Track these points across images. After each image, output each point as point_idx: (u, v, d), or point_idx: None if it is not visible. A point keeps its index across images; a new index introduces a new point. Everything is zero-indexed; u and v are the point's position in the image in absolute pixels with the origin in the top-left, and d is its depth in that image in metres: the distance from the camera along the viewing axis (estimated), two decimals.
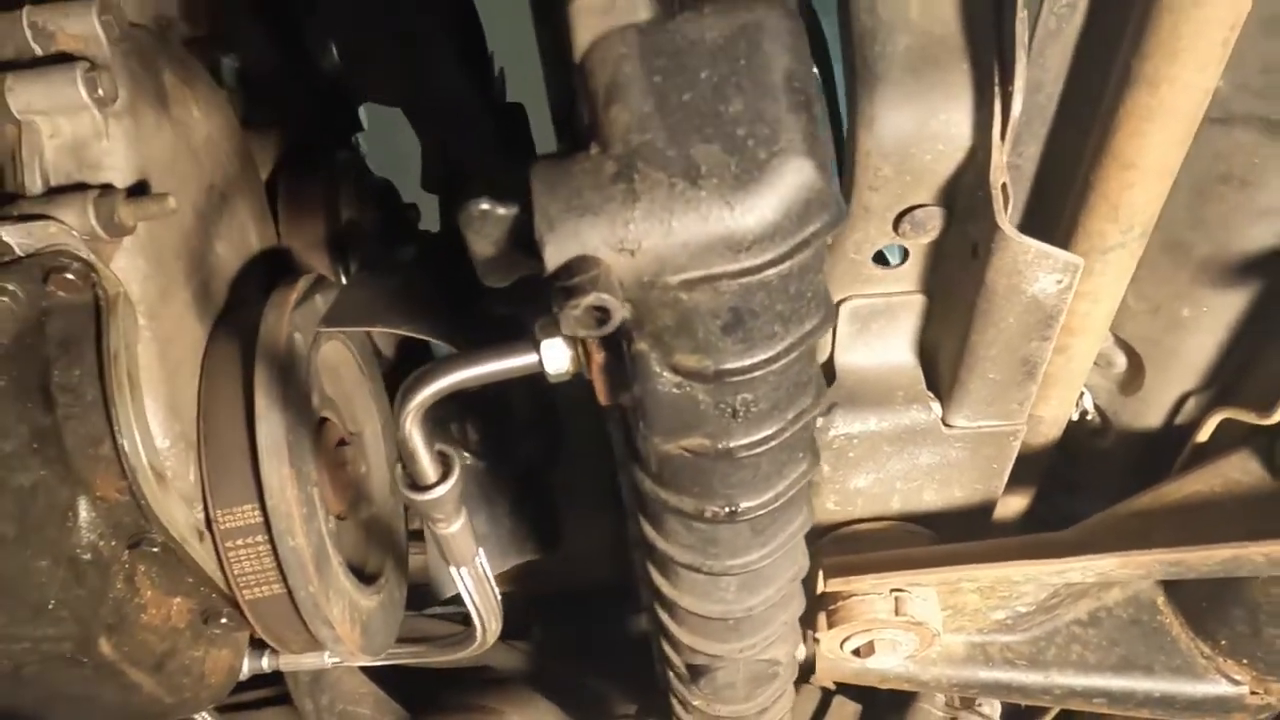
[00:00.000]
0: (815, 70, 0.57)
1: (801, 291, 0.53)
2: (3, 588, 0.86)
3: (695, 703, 0.99)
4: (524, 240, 0.48)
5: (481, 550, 0.84)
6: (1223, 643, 1.08)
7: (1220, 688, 1.10)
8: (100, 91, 0.88)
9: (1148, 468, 1.08)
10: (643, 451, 0.66)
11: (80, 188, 0.88)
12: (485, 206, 0.48)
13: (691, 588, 0.78)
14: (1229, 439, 0.98)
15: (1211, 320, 0.94)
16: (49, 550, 0.86)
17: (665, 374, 0.56)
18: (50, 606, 0.87)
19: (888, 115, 0.75)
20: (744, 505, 0.67)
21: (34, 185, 0.88)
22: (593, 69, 0.48)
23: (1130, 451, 1.11)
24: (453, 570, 0.84)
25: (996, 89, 0.72)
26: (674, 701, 1.06)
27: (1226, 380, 0.98)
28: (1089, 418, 1.12)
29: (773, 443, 0.61)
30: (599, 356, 0.59)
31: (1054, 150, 0.87)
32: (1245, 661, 1.07)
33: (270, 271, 1.20)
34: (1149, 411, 1.06)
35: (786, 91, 0.48)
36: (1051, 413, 1.06)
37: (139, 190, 0.91)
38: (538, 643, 1.87)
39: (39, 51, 0.91)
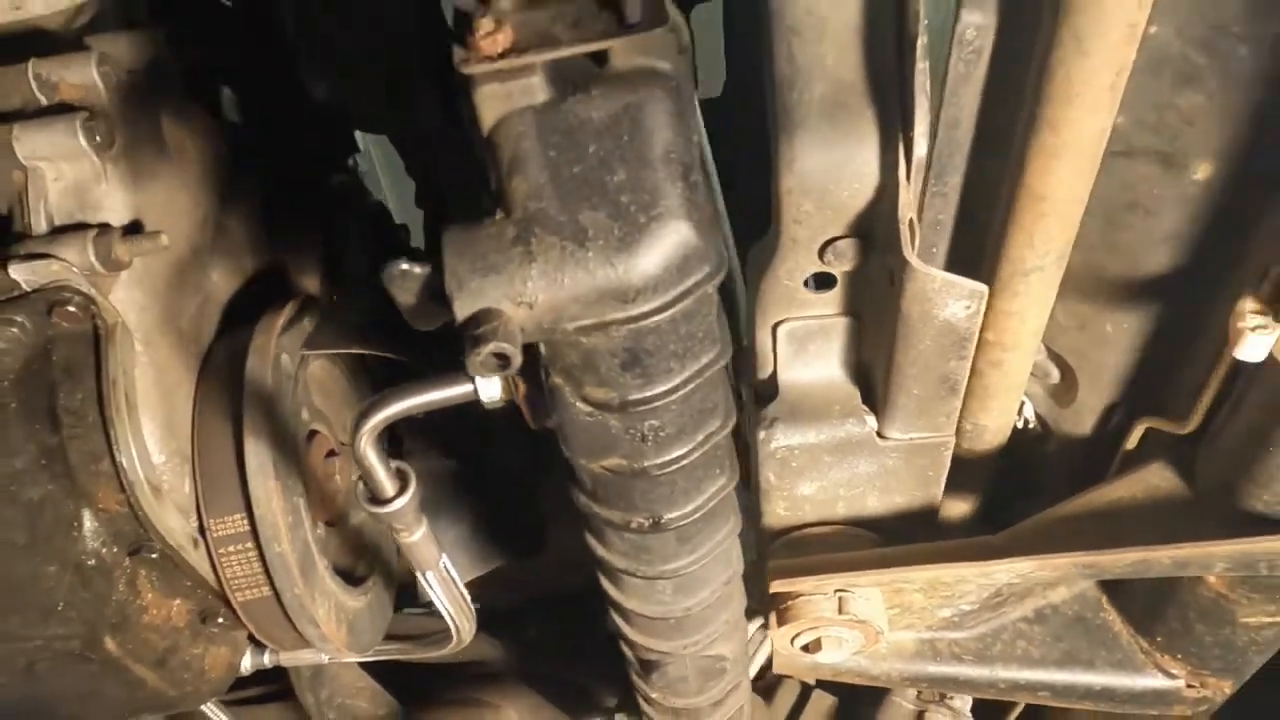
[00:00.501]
0: (700, 137, 0.64)
1: (692, 332, 0.60)
2: (15, 591, 0.95)
3: (654, 695, 1.06)
4: (438, 295, 0.55)
5: (446, 556, 0.92)
6: (1159, 639, 1.14)
7: (1158, 681, 1.16)
8: (98, 139, 0.97)
9: (1088, 473, 1.14)
10: (575, 470, 0.73)
11: (81, 227, 0.96)
12: (404, 267, 0.56)
13: (633, 591, 0.86)
14: (1155, 447, 1.04)
15: (1131, 336, 1.00)
16: (57, 557, 0.95)
17: (578, 404, 0.63)
18: (59, 608, 0.96)
19: (806, 157, 0.82)
20: (667, 517, 0.74)
21: (39, 225, 0.96)
22: (497, 144, 0.55)
23: (1071, 457, 1.17)
24: (419, 575, 0.92)
25: (901, 134, 0.78)
26: (638, 696, 1.13)
27: (1151, 392, 1.04)
28: (1031, 425, 1.18)
29: (684, 462, 0.69)
30: (523, 388, 0.66)
31: (974, 181, 0.93)
32: (1180, 656, 1.13)
33: (265, 293, 1.29)
34: (1084, 420, 1.12)
35: (664, 162, 0.55)
36: (994, 421, 1.12)
37: (135, 228, 0.99)
38: (530, 640, 1.95)
39: (44, 101, 0.99)
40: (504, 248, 0.54)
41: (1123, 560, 0.91)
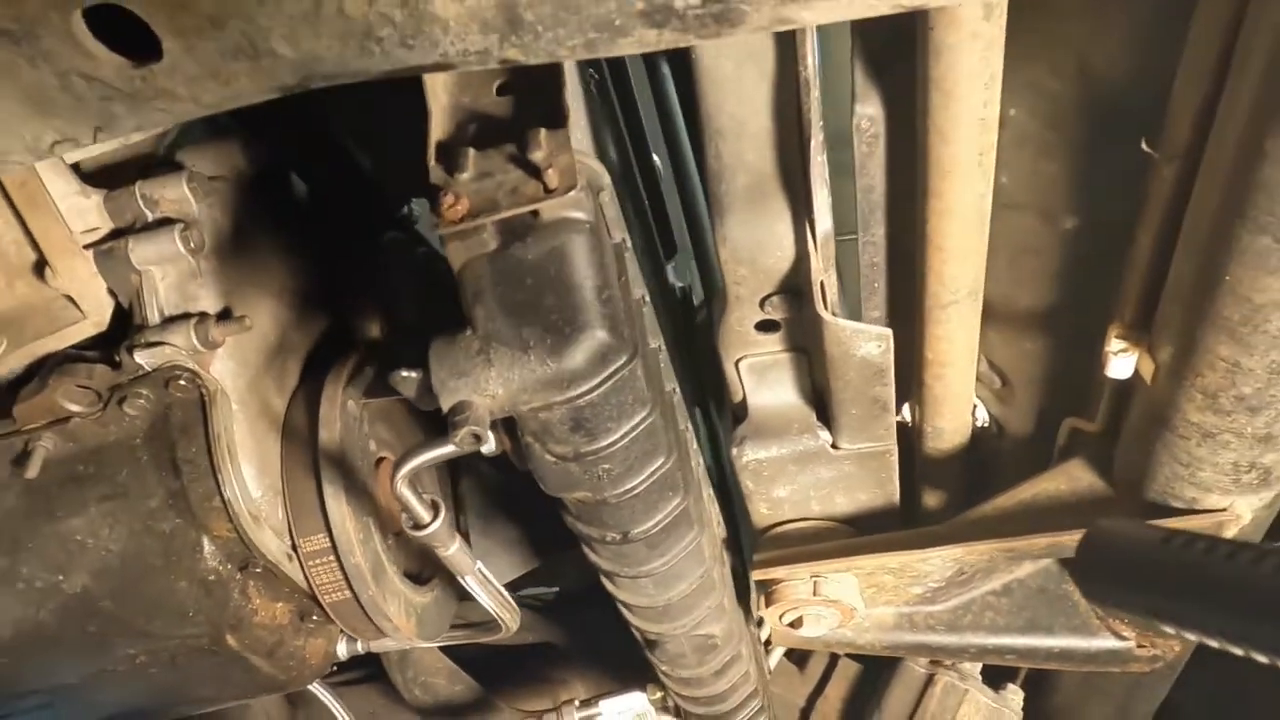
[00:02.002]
0: (618, 257, 0.84)
1: (622, 400, 0.81)
2: (157, 602, 1.22)
3: (664, 668, 1.28)
4: (429, 390, 0.77)
5: (480, 562, 1.15)
6: None
7: (1111, 642, 1.31)
8: (192, 244, 1.22)
9: (1037, 466, 1.30)
10: (559, 501, 0.95)
11: (185, 317, 1.22)
12: (404, 373, 0.78)
13: (623, 587, 1.08)
14: (1080, 445, 1.19)
15: (1047, 352, 1.16)
16: (186, 575, 1.22)
17: (546, 456, 0.85)
18: (190, 614, 1.23)
19: (735, 234, 1.01)
20: (634, 531, 0.95)
21: (153, 318, 1.22)
22: (463, 282, 0.77)
23: (1024, 453, 1.33)
24: (460, 579, 1.15)
25: (806, 214, 0.97)
26: (657, 671, 1.35)
27: (1075, 396, 1.20)
28: (987, 426, 1.34)
29: (637, 491, 0.90)
30: (509, 444, 0.88)
31: (894, 232, 1.11)
32: (1126, 620, 1.29)
33: (336, 344, 1.54)
34: (1028, 420, 1.29)
35: (582, 287, 0.75)
36: (949, 424, 1.29)
37: (226, 314, 1.25)
38: (593, 621, 2.19)
39: (149, 216, 1.25)
40: (471, 357, 0.76)
41: (1036, 545, 1.08)
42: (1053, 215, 1.00)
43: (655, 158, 1.86)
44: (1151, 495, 1.06)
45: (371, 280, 1.65)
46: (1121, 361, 0.96)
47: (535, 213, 0.76)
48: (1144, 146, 0.82)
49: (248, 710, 2.05)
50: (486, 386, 0.76)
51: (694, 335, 1.53)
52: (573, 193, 0.74)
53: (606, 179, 0.86)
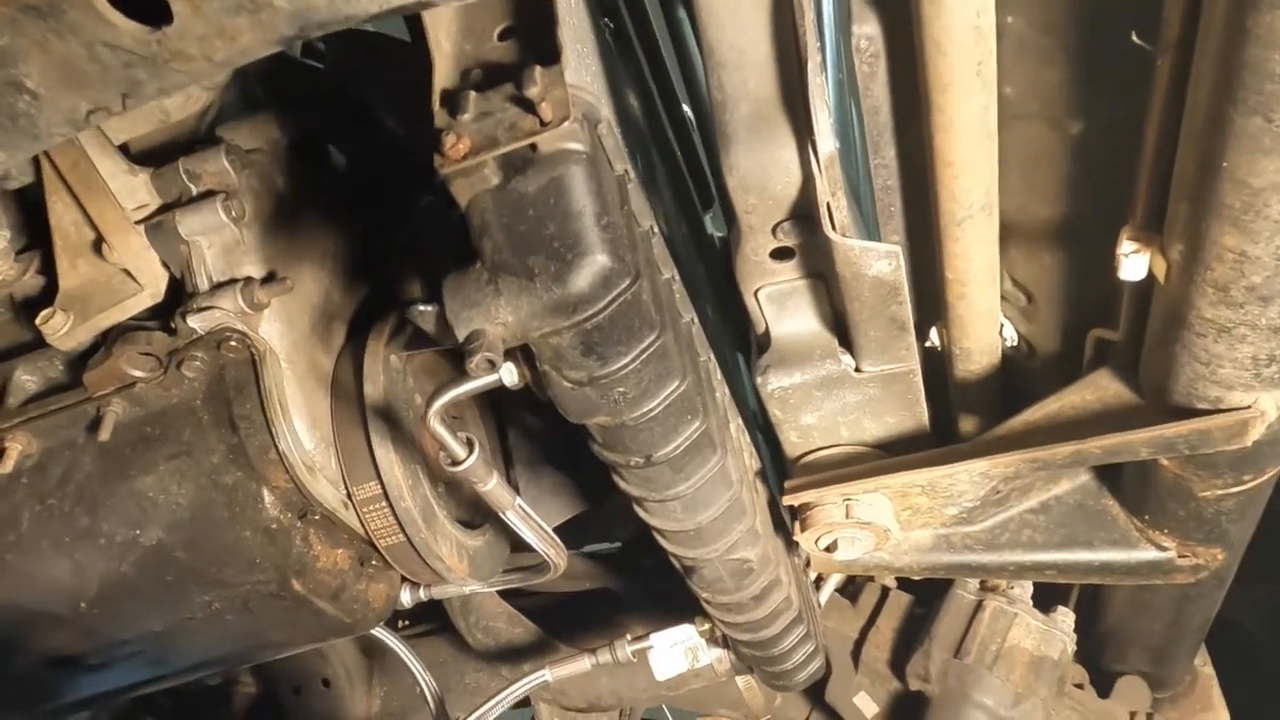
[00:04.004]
0: (620, 186, 0.87)
1: (629, 324, 0.85)
2: (227, 551, 1.31)
3: (704, 595, 1.32)
4: (444, 322, 0.82)
5: (520, 498, 1.20)
6: (1147, 517, 1.30)
7: (1152, 554, 1.31)
8: (234, 213, 1.29)
9: (1068, 381, 1.30)
10: (584, 428, 1.00)
11: (231, 282, 1.29)
12: (421, 308, 0.83)
13: (654, 513, 1.12)
14: (1107, 355, 1.19)
15: (1067, 264, 1.16)
16: (250, 524, 1.30)
17: (564, 383, 0.89)
18: (257, 561, 1.31)
19: (741, 163, 1.03)
20: (656, 455, 0.99)
21: (203, 285, 1.30)
22: (471, 217, 0.81)
23: (1054, 371, 1.33)
24: (502, 515, 1.21)
25: (809, 137, 0.99)
26: (700, 599, 1.40)
27: (1099, 307, 1.19)
28: (1016, 345, 1.34)
29: (654, 413, 0.93)
30: (529, 375, 0.93)
31: (904, 153, 1.12)
32: (1166, 531, 1.29)
33: (377, 304, 1.60)
34: (1055, 337, 1.29)
35: (581, 214, 0.79)
36: (977, 344, 1.30)
37: (270, 277, 1.32)
38: (648, 568, 2.25)
39: (193, 190, 1.32)
40: (481, 288, 0.80)
41: (1060, 454, 1.09)
42: (1060, 122, 1.00)
43: (685, 108, 1.87)
44: (1176, 398, 1.06)
45: (409, 244, 1.71)
46: (1134, 262, 0.96)
47: (534, 146, 0.80)
48: (1135, 39, 0.82)
49: (326, 660, 2.17)
50: (497, 315, 0.80)
51: (734, 285, 1.56)
52: (567, 124, 0.78)
53: (605, 111, 0.89)
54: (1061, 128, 1.01)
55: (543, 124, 0.78)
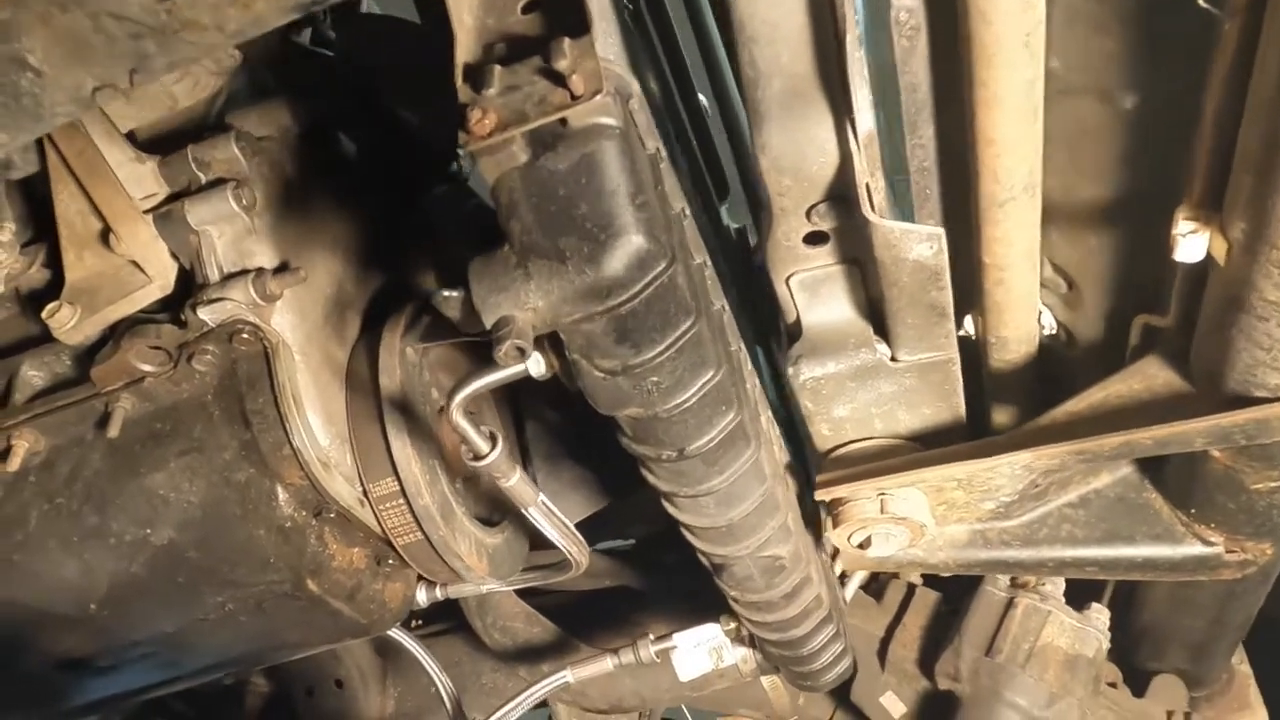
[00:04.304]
0: (653, 166, 0.82)
1: (664, 309, 0.80)
2: (240, 550, 1.27)
3: (733, 594, 1.28)
4: (471, 309, 0.78)
5: (542, 494, 1.16)
6: (1193, 510, 1.25)
7: (1198, 549, 1.27)
8: (244, 201, 1.25)
9: (1111, 371, 1.25)
10: (614, 420, 0.95)
11: (243, 273, 1.25)
12: (446, 293, 0.79)
13: (685, 508, 1.07)
14: (1155, 342, 1.14)
15: (1114, 246, 1.11)
16: (263, 522, 1.26)
17: (595, 372, 0.85)
18: (271, 560, 1.27)
19: (775, 141, 0.98)
20: (689, 448, 0.95)
21: (213, 275, 1.26)
22: (499, 196, 0.77)
23: (1095, 361, 1.28)
24: (525, 511, 1.16)
25: (847, 114, 0.94)
26: (727, 598, 1.35)
27: (1145, 292, 1.14)
28: (1055, 333, 1.30)
29: (688, 405, 0.89)
30: (557, 364, 0.88)
31: (943, 131, 1.07)
32: (1213, 525, 1.24)
33: (393, 296, 1.56)
34: (1097, 325, 1.24)
35: (615, 193, 0.75)
36: (1014, 333, 1.25)
37: (282, 267, 1.28)
38: (668, 565, 2.20)
39: (203, 178, 1.28)
40: (509, 271, 0.76)
41: (1108, 445, 1.04)
42: (1112, 95, 0.95)
43: (701, 98, 1.82)
44: (1232, 386, 1.01)
45: (424, 234, 1.67)
46: (1191, 243, 0.91)
47: (564, 121, 0.75)
48: (1202, 3, 0.77)
49: (339, 661, 2.13)
50: (527, 300, 0.76)
51: (752, 277, 1.51)
52: (599, 97, 0.73)
53: (636, 86, 0.85)
54: (1113, 101, 0.96)
55: (574, 98, 0.73)
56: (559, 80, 0.74)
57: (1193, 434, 1.02)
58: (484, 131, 0.74)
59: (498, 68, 0.78)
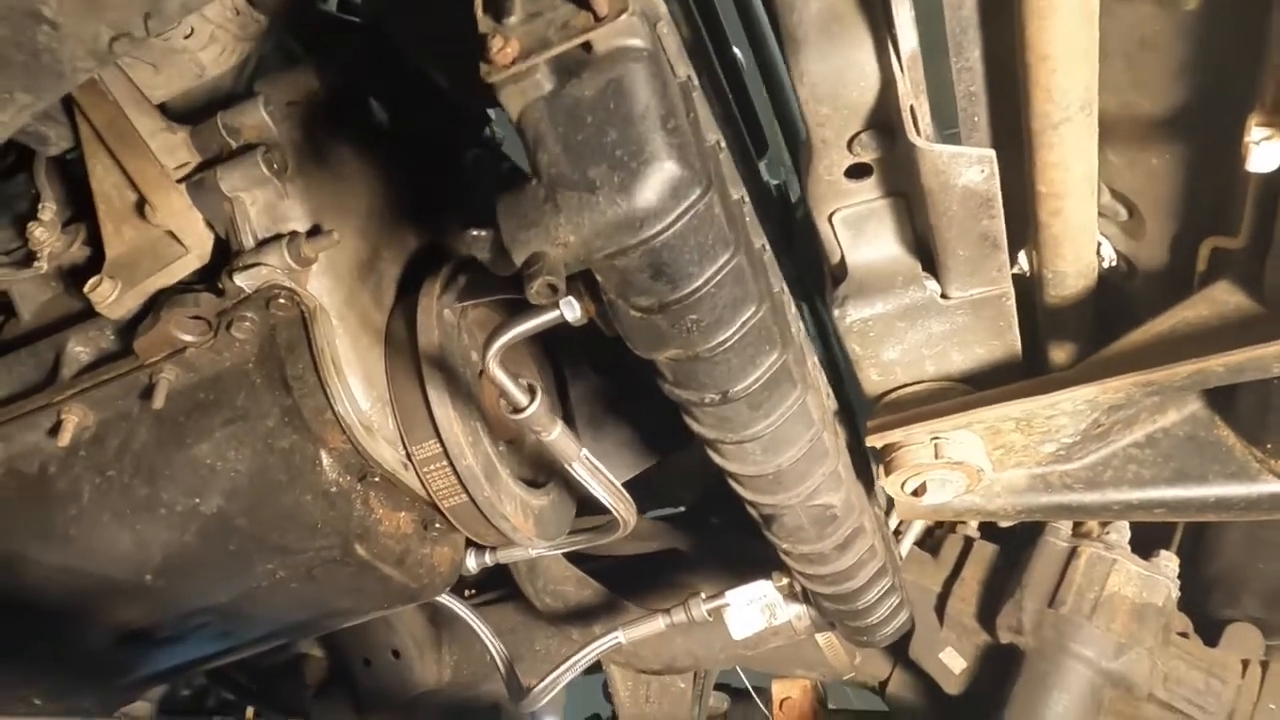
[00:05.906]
0: (684, 93, 0.79)
1: (701, 241, 0.77)
2: (287, 516, 1.27)
3: (785, 546, 1.25)
4: (500, 248, 0.75)
5: (585, 450, 1.14)
6: (1268, 445, 1.18)
7: (1274, 486, 1.20)
8: (275, 166, 1.24)
9: (1176, 300, 1.19)
10: (654, 365, 0.92)
11: (277, 238, 1.24)
12: (475, 232, 0.76)
13: (731, 456, 1.04)
14: (1224, 266, 1.08)
15: (1177, 166, 1.05)
16: (309, 488, 1.25)
17: (632, 312, 0.82)
18: (319, 526, 1.27)
19: (813, 69, 0.94)
20: (732, 390, 0.92)
21: (248, 242, 1.25)
22: (524, 129, 0.74)
23: (1158, 289, 1.22)
24: (568, 468, 1.14)
25: (888, 33, 0.89)
26: (778, 552, 1.32)
27: (1212, 213, 1.08)
28: (1115, 264, 1.23)
29: (730, 343, 0.86)
30: (593, 307, 0.85)
31: (991, 50, 1.01)
32: None
33: (429, 260, 1.55)
34: (1160, 253, 1.17)
35: (644, 118, 0.71)
36: (1072, 266, 1.19)
37: (315, 231, 1.27)
38: (714, 526, 2.18)
39: (233, 145, 1.27)
40: (538, 206, 0.73)
41: (1178, 374, 0.99)
42: None
43: (736, 51, 1.77)
44: None
45: (458, 198, 1.65)
46: (1265, 151, 0.85)
47: (588, 45, 0.72)
48: None
49: (395, 631, 2.15)
50: (557, 234, 0.73)
51: (793, 232, 1.47)
52: (624, 17, 0.70)
53: (663, 8, 0.81)
54: (1174, 4, 0.90)
55: (598, 19, 0.70)
56: (582, 2, 0.71)
57: (1269, 358, 0.96)
58: (506, 60, 0.71)
59: None
